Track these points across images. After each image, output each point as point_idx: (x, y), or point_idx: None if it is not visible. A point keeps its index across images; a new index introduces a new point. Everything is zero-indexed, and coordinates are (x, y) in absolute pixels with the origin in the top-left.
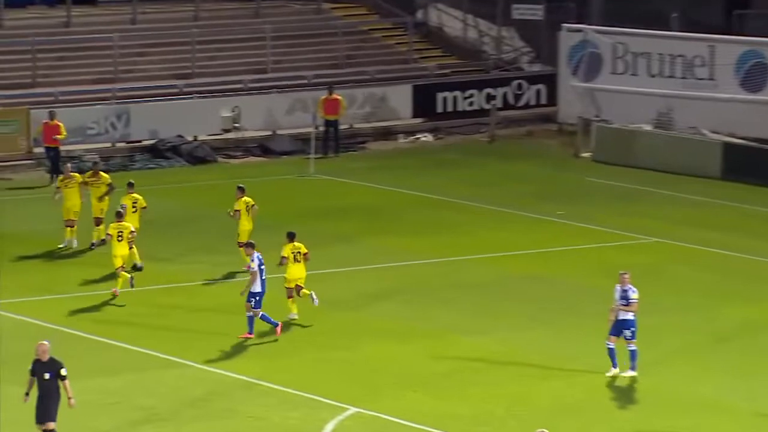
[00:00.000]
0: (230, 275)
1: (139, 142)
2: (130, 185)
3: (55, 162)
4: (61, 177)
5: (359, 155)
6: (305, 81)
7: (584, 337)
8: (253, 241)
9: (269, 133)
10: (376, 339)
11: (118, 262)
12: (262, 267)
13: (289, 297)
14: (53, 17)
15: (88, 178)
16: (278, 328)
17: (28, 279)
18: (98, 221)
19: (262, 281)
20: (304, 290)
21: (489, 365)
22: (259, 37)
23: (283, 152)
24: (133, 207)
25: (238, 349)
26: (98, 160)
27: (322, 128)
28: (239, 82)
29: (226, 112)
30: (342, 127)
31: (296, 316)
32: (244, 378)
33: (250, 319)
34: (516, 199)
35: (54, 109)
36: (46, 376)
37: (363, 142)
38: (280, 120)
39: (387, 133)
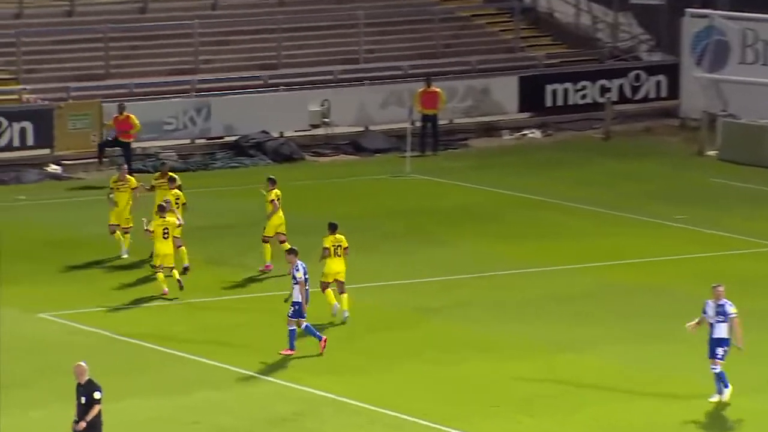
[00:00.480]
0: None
1: (220, 138)
2: (172, 180)
3: (128, 158)
4: (114, 178)
5: (459, 153)
6: (401, 72)
7: (696, 357)
8: (296, 248)
9: (361, 129)
10: (469, 354)
11: (166, 261)
12: (306, 276)
13: (324, 290)
14: (127, 3)
15: (156, 180)
16: (323, 343)
17: (92, 286)
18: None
19: (306, 291)
20: (345, 295)
21: (591, 385)
22: (350, 24)
23: (376, 150)
24: (176, 203)
25: (322, 362)
26: (165, 160)
27: (419, 124)
28: (329, 73)
29: (314, 106)
30: (441, 122)
31: (339, 306)
32: (331, 396)
33: (292, 334)
34: (630, 201)
35: (123, 102)
36: (83, 400)
37: (464, 139)
38: (373, 115)
39: (490, 129)
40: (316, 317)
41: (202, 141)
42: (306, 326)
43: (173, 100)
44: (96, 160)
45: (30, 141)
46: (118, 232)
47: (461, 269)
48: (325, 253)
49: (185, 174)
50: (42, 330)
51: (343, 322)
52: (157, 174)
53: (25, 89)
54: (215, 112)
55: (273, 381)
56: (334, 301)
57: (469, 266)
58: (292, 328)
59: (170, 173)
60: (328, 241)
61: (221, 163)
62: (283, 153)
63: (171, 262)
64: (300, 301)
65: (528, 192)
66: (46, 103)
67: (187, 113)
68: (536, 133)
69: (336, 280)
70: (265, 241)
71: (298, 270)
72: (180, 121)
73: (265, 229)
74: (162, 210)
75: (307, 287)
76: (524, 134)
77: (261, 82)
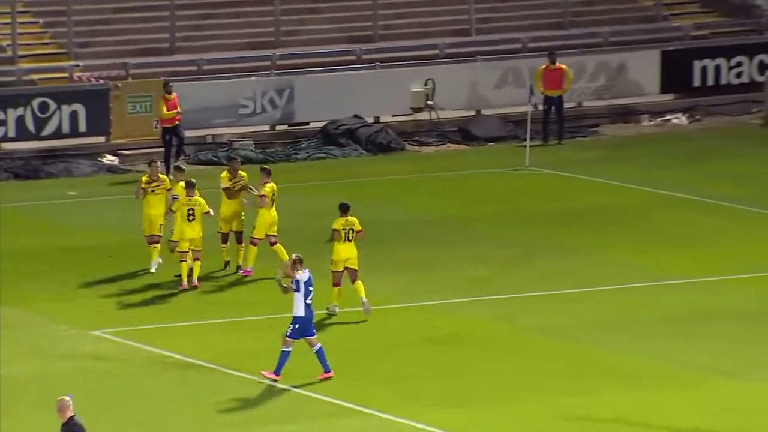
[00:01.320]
0: (420, 297)
1: (306, 124)
2: (191, 186)
3: (179, 146)
4: (145, 177)
5: (589, 142)
6: (519, 46)
7: None
8: (301, 256)
9: (472, 113)
10: (607, 382)
11: (184, 247)
12: (311, 288)
13: (336, 285)
14: None
15: (229, 175)
16: (326, 375)
17: (150, 299)
18: (239, 237)
19: (307, 306)
20: (359, 283)
21: (758, 417)
22: None
23: (489, 138)
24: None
25: (428, 391)
26: (234, 155)
27: (541, 107)
28: (434, 47)
29: (416, 86)
30: (567, 105)
31: (337, 310)
32: None
33: (283, 357)
34: None
35: (170, 80)
36: None
37: (594, 125)
38: (487, 96)
39: (626, 114)
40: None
41: (284, 127)
42: (319, 349)
43: (250, 78)
44: (161, 148)
45: (82, 127)
46: (154, 245)
47: (591, 281)
48: (335, 236)
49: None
50: (100, 350)
51: (366, 314)
52: (225, 171)
53: (76, 66)
54: (299, 93)
55: (372, 413)
56: (336, 301)
57: (601, 277)
58: (287, 349)
59: (241, 172)
60: (338, 224)
61: (306, 154)
62: (378, 142)
63: (200, 245)
64: (302, 315)
65: (673, 189)
66: (101, 82)
67: (267, 94)
68: (681, 119)
69: (347, 268)
70: (253, 243)
71: (298, 280)
72: (258, 104)
73: (254, 228)
74: (191, 187)
75: (308, 301)
76: (667, 120)
77: (354, 57)
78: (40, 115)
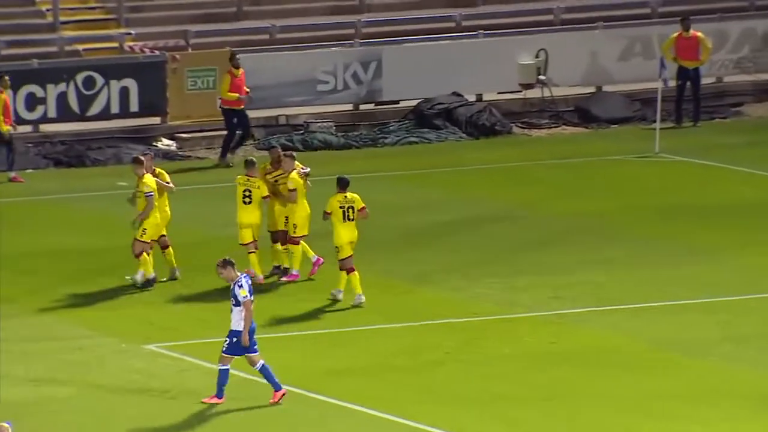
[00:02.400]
0: (526, 306)
1: (395, 103)
2: (250, 164)
3: (245, 130)
4: (159, 171)
5: (731, 124)
6: (648, 10)
7: None
8: (231, 258)
9: (591, 90)
10: (749, 407)
11: (247, 237)
12: (252, 297)
13: (351, 271)
14: None
15: (269, 168)
16: (278, 395)
17: (207, 307)
18: (280, 237)
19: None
20: (356, 275)
21: None
22: None
23: (611, 120)
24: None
25: (531, 417)
26: (276, 143)
27: (672, 83)
28: (547, 11)
29: (526, 58)
30: (704, 81)
31: (363, 299)
32: None
33: (222, 376)
34: None
35: (237, 53)
36: None
37: (737, 105)
38: (609, 70)
39: None
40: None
41: (370, 107)
42: (263, 366)
43: (330, 50)
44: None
45: (134, 106)
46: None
47: (733, 288)
48: (325, 217)
49: (346, 153)
50: (154, 367)
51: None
52: (269, 162)
53: (128, 34)
54: (388, 67)
55: None
56: (342, 286)
57: (744, 284)
58: (224, 367)
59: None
60: (335, 203)
61: (395, 138)
62: (481, 124)
63: (257, 234)
64: (240, 330)
65: None
66: (156, 53)
67: (349, 68)
68: None
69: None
70: (295, 243)
71: (241, 286)
72: (339, 79)
73: (295, 227)
74: (250, 167)
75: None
76: None
77: (452, 24)
78: (85, 92)
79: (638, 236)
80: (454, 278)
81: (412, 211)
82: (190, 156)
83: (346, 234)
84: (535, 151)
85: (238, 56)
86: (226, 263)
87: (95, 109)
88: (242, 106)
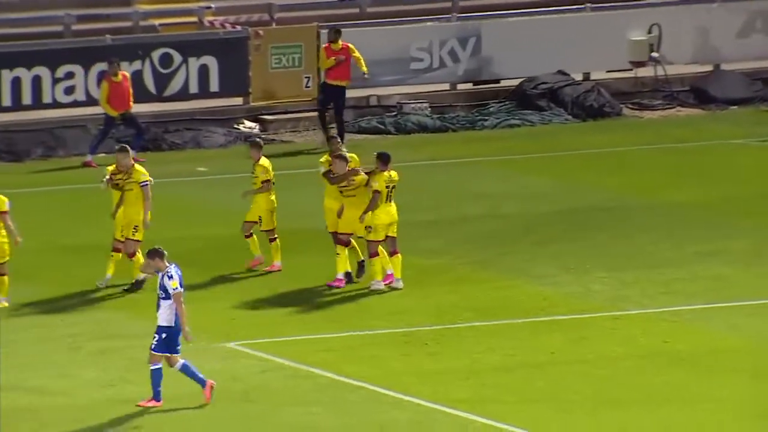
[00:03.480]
0: (637, 302)
1: (496, 82)
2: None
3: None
4: (111, 168)
5: None
6: None
7: None
8: (161, 248)
9: (707, 68)
10: None
11: (382, 233)
12: (182, 288)
13: (374, 255)
14: None
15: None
16: (207, 390)
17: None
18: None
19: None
20: (398, 257)
21: None
22: None
23: (730, 100)
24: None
25: (645, 425)
26: (334, 134)
27: None
28: None
29: (637, 33)
30: None
31: (382, 286)
32: None
33: (156, 376)
34: None
35: (337, 27)
36: None
37: None
38: (726, 47)
39: None
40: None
41: (468, 86)
42: (184, 365)
43: (425, 24)
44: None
45: (214, 86)
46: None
47: None
48: (376, 198)
49: (442, 136)
50: (235, 367)
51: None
52: (326, 156)
53: (207, 8)
54: (488, 43)
55: None
56: (379, 277)
57: None
58: (156, 366)
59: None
60: (382, 181)
61: (495, 120)
62: (588, 105)
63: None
64: (170, 326)
65: None
66: (238, 28)
67: (446, 44)
68: None
69: (388, 236)
70: (345, 243)
71: (171, 277)
72: (435, 57)
73: (371, 231)
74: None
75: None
76: None
77: None
78: (161, 70)
79: (759, 227)
80: (557, 272)
81: (513, 199)
82: (274, 139)
83: (385, 216)
84: (646, 134)
85: (339, 30)
86: (155, 253)
87: (173, 88)
88: (341, 83)
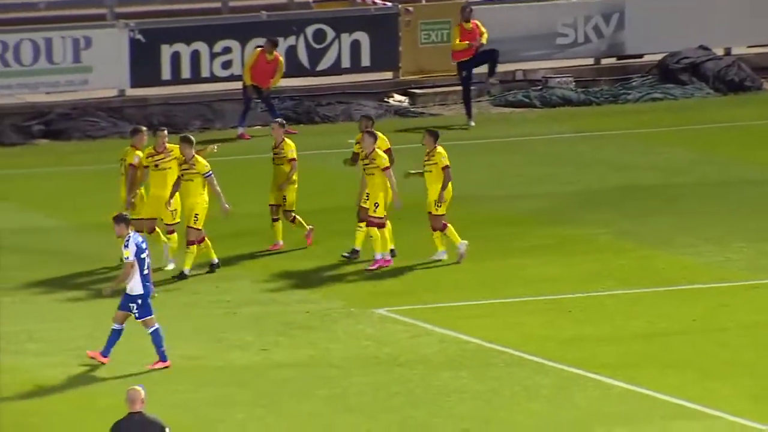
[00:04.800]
0: None
1: (639, 57)
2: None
3: (467, 85)
4: (150, 148)
5: None
6: None
7: None
8: (126, 215)
9: None
10: None
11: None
12: (143, 256)
13: (443, 228)
14: None
15: (359, 142)
16: (161, 364)
17: (453, 271)
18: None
19: (144, 277)
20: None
21: None
22: None
23: None
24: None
25: None
26: (367, 113)
27: None
28: None
29: None
30: None
31: (445, 256)
32: None
33: (114, 336)
34: None
35: (471, 3)
36: None
37: None
38: None
39: None
40: None
41: (611, 61)
42: (154, 332)
43: (571, 1)
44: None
45: (365, 60)
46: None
47: None
48: (449, 173)
49: (586, 109)
50: (384, 332)
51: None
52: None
53: None
54: (631, 18)
55: (720, 416)
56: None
57: None
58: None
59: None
60: (446, 156)
61: (638, 94)
62: (729, 79)
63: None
64: (142, 292)
65: None
66: (389, 5)
67: (591, 20)
68: None
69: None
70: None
71: (126, 246)
72: (579, 32)
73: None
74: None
75: (144, 272)
76: None
77: None
78: (314, 45)
79: None
80: (697, 242)
81: (654, 170)
82: (422, 113)
83: (446, 192)
84: None
85: (470, 8)
86: (119, 219)
87: (325, 63)
88: (471, 57)
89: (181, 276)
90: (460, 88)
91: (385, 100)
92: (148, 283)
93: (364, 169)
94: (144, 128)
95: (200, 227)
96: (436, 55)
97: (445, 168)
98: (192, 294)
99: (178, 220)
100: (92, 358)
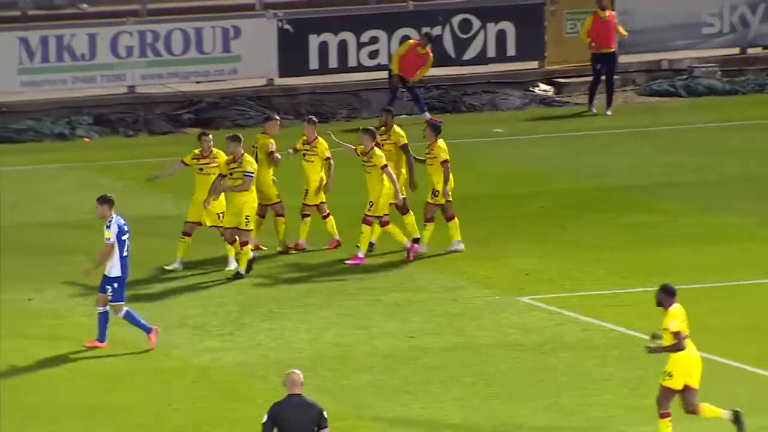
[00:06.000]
0: None
1: None
2: (236, 140)
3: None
4: (196, 151)
5: None
6: None
7: None
8: (108, 196)
9: None
10: None
11: None
12: (124, 238)
13: (451, 218)
14: None
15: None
16: (153, 336)
17: (596, 259)
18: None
19: (123, 260)
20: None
21: None
22: None
23: None
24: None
25: None
26: (388, 107)
27: None
28: None
29: None
30: None
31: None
32: None
33: (102, 319)
34: None
35: None
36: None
37: None
38: None
39: None
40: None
41: (758, 50)
42: (127, 312)
43: None
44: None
45: (510, 50)
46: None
47: None
48: (448, 167)
49: (732, 99)
50: (529, 320)
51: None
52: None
53: None
54: None
55: None
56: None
57: None
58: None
59: (397, 128)
60: (446, 149)
61: None
62: None
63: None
64: (118, 275)
65: None
66: None
67: (736, 10)
68: None
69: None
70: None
71: (108, 227)
72: (725, 22)
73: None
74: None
75: (124, 254)
76: None
77: None
78: (460, 35)
79: None
80: None
81: None
82: (567, 102)
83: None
84: None
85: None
86: (104, 200)
87: (471, 53)
88: (610, 50)
89: (237, 276)
90: (604, 77)
91: (531, 89)
92: (126, 266)
93: (363, 166)
94: (276, 116)
95: (252, 228)
96: (581, 45)
97: (444, 162)
98: (339, 282)
99: (220, 223)
100: (91, 347)
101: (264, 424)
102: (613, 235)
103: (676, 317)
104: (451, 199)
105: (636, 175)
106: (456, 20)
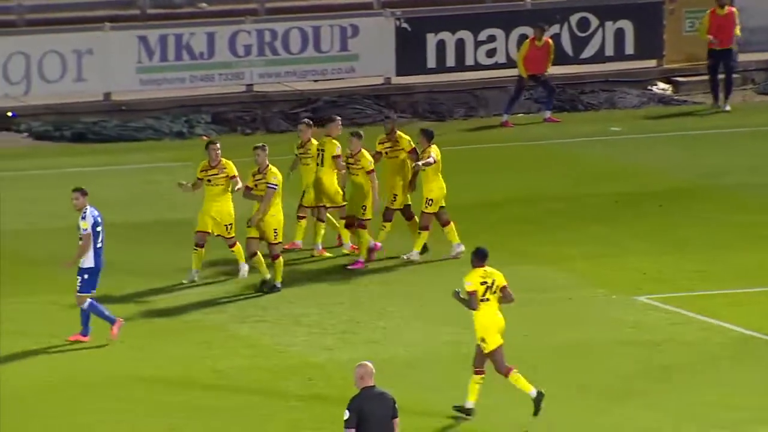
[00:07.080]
0: None
1: None
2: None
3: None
4: (204, 162)
5: None
6: None
7: None
8: (84, 188)
9: None
10: None
11: None
12: (98, 229)
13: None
14: None
15: (382, 142)
16: (115, 328)
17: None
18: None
19: (97, 251)
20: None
21: None
22: None
23: None
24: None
25: None
26: (392, 114)
27: None
28: None
29: None
30: None
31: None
32: None
33: (93, 311)
34: None
35: None
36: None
37: None
38: None
39: None
40: None
41: None
42: (90, 304)
43: None
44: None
45: (629, 48)
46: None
47: None
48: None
49: None
50: (645, 320)
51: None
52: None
53: None
54: None
55: None
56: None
57: None
58: (86, 304)
59: (401, 134)
60: (438, 155)
61: None
62: None
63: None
64: (90, 266)
65: None
66: None
67: None
68: None
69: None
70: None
71: (84, 218)
72: None
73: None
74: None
75: (98, 245)
76: None
77: None
78: (578, 33)
79: None
80: None
81: None
82: (686, 101)
83: (439, 190)
84: None
85: None
86: (80, 191)
87: (589, 51)
88: (726, 47)
89: (273, 289)
90: (722, 76)
91: (649, 88)
92: (99, 258)
93: (348, 169)
94: (338, 117)
95: (281, 240)
96: (700, 44)
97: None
98: (452, 281)
99: (233, 234)
100: (74, 341)
101: (347, 420)
102: (728, 235)
103: (473, 279)
104: (443, 204)
105: (754, 173)
106: (574, 18)
